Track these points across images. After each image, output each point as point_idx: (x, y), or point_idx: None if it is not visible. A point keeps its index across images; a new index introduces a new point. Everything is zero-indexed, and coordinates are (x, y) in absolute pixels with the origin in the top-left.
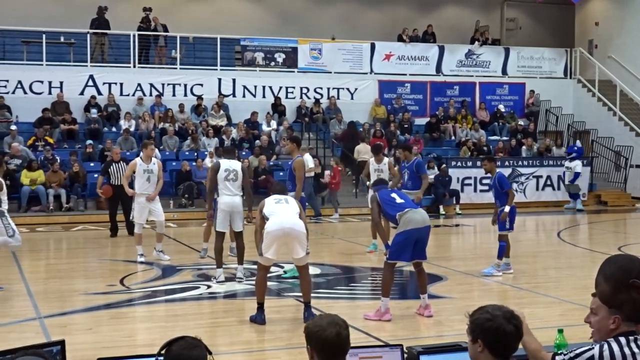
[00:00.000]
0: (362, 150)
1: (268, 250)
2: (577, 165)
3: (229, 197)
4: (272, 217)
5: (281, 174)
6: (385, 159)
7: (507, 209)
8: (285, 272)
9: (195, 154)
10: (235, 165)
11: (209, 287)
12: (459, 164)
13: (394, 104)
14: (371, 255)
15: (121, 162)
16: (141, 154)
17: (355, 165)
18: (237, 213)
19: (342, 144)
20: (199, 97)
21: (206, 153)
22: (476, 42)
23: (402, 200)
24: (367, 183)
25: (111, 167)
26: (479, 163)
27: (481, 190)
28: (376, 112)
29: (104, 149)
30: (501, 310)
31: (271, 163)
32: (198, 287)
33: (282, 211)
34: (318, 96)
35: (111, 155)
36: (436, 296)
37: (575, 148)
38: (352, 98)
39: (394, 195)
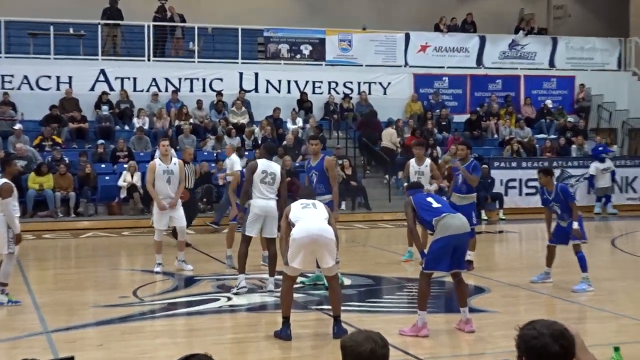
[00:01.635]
0: (386, 136)
1: (294, 259)
2: (606, 166)
3: (264, 201)
4: (299, 223)
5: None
6: (427, 160)
7: (575, 225)
8: (303, 283)
9: (215, 154)
10: (274, 167)
11: (229, 299)
12: (502, 164)
13: (430, 99)
14: (406, 264)
15: (191, 163)
16: (157, 153)
17: (378, 155)
18: (272, 218)
19: (360, 133)
20: (219, 93)
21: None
22: (520, 32)
23: (439, 205)
24: (405, 185)
25: (185, 169)
26: (524, 164)
27: (527, 194)
28: (411, 109)
29: (115, 149)
30: (550, 328)
31: (297, 164)
32: (218, 299)
33: (309, 216)
34: (348, 91)
35: (183, 155)
36: (478, 310)
37: (600, 148)
38: (384, 93)
39: (430, 199)
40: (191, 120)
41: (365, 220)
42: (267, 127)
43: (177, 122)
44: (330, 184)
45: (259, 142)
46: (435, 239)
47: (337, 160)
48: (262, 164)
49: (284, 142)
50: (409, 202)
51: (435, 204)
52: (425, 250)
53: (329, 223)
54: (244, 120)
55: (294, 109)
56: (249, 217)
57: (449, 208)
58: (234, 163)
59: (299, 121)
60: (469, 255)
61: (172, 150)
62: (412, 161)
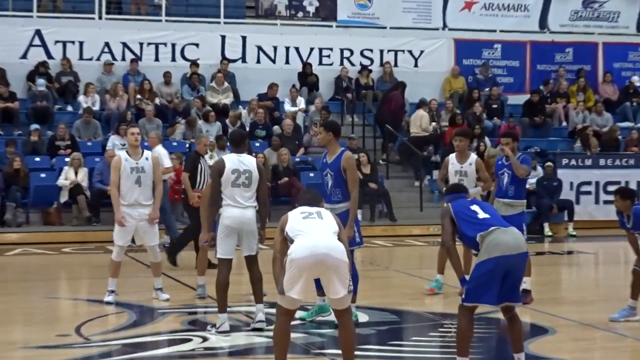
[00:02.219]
0: (417, 121)
1: (293, 287)
2: None
3: (238, 210)
4: (299, 239)
5: (311, 175)
6: (473, 157)
7: None
8: (302, 319)
9: (188, 145)
10: (247, 162)
11: (204, 339)
12: (572, 162)
13: (477, 74)
14: (431, 298)
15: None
16: (111, 142)
17: (405, 148)
18: (249, 232)
19: (378, 114)
20: (193, 63)
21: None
22: None
23: (487, 215)
24: (443, 190)
25: (200, 163)
26: (602, 162)
27: (605, 202)
28: (451, 86)
29: (54, 137)
30: None
31: (297, 159)
32: (189, 340)
33: (313, 230)
34: (366, 62)
35: (197, 146)
36: (538, 357)
37: None
38: (416, 65)
39: (475, 207)
40: (157, 101)
41: (388, 235)
42: (259, 109)
43: (138, 102)
44: (348, 188)
45: (248, 128)
46: (479, 261)
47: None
48: (231, 160)
49: (279, 130)
50: (447, 211)
51: (481, 214)
52: (466, 276)
53: (340, 239)
54: (227, 100)
55: (293, 86)
56: (219, 233)
57: (501, 220)
58: (163, 158)
59: (301, 102)
60: (525, 283)
61: (160, 148)
62: (452, 157)
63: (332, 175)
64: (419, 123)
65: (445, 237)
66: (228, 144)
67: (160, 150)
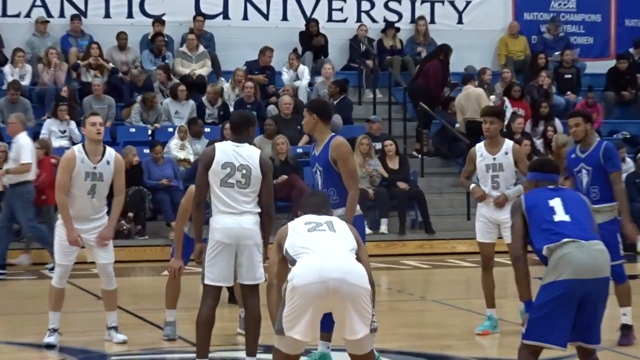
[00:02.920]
0: (466, 102)
1: (295, 325)
2: None
3: (232, 218)
4: (304, 259)
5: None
6: (508, 143)
7: None
8: None
9: (150, 132)
10: (246, 155)
11: None
12: None
13: (543, 33)
14: (485, 336)
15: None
16: (81, 138)
17: (449, 135)
18: (249, 248)
19: (412, 90)
20: (157, 21)
21: (170, 129)
22: None
23: (566, 218)
24: (471, 187)
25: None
26: None
27: None
28: (508, 49)
29: None
30: None
31: (299, 150)
32: None
33: (323, 246)
34: (393, 17)
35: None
36: None
37: None
38: (459, 21)
39: (555, 202)
40: (109, 70)
41: (424, 252)
42: (246, 82)
43: (82, 74)
44: (343, 186)
45: (232, 108)
46: (544, 283)
47: (370, 144)
48: (224, 151)
49: (275, 111)
50: (517, 206)
51: (559, 215)
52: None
53: (359, 258)
54: (203, 70)
55: (294, 51)
56: (208, 250)
57: (584, 227)
58: (21, 150)
59: (304, 72)
60: (625, 316)
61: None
62: (480, 147)
63: (320, 172)
64: (473, 103)
65: (512, 244)
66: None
67: (21, 139)
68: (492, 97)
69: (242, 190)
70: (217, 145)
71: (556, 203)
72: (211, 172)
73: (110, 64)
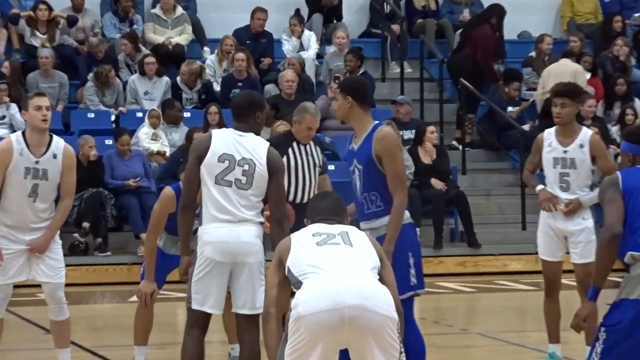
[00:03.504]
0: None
1: None
2: None
3: (228, 229)
4: (312, 280)
5: (331, 168)
6: (586, 132)
7: None
8: None
9: (113, 118)
10: (250, 147)
11: None
12: None
13: None
14: None
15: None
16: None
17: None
18: (248, 267)
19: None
20: None
21: (140, 115)
22: None
23: None
24: (538, 188)
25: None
26: None
27: None
28: (574, 10)
29: None
30: None
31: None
32: None
33: (336, 264)
34: None
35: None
36: None
37: None
38: None
39: None
40: (63, 39)
41: (467, 272)
42: (237, 54)
43: (26, 38)
44: (389, 190)
45: (219, 87)
46: (619, 299)
47: (397, 131)
48: (223, 139)
49: (273, 90)
50: (613, 182)
51: None
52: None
53: (383, 280)
54: (182, 38)
55: (297, 13)
56: (196, 268)
57: None
58: None
59: (310, 39)
60: None
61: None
62: (550, 134)
63: (360, 170)
64: (545, 79)
65: (610, 218)
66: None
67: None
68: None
69: (242, 192)
70: (214, 132)
71: None
72: (204, 166)
73: (65, 36)
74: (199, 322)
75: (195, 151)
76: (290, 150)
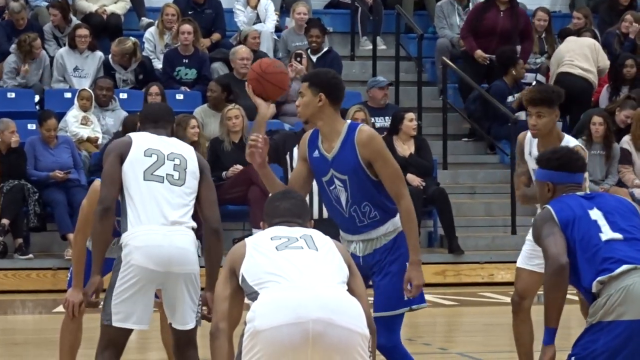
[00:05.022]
0: (573, 54)
1: None
2: None
3: (160, 232)
4: (271, 290)
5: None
6: (568, 142)
7: None
8: None
9: (37, 99)
10: (174, 143)
11: None
12: None
13: None
14: None
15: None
16: None
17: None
18: (182, 278)
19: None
20: None
21: (68, 95)
22: None
23: (617, 235)
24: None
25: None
26: None
27: None
28: None
29: None
30: None
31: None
32: None
33: (299, 271)
34: None
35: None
36: None
37: None
38: None
39: (595, 214)
40: None
41: (448, 282)
42: (183, 25)
43: None
44: (381, 197)
45: (160, 65)
46: (596, 322)
47: (368, 117)
48: (144, 136)
49: (227, 70)
50: (547, 217)
51: (606, 232)
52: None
53: (353, 291)
54: (118, 6)
55: None
56: (120, 278)
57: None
58: None
59: (268, 9)
60: None
61: None
62: (532, 141)
63: (344, 182)
64: (586, 52)
65: (553, 250)
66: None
67: None
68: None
69: (175, 189)
70: (133, 134)
71: (596, 215)
72: (128, 163)
73: None
74: (116, 342)
75: (114, 150)
76: (295, 150)
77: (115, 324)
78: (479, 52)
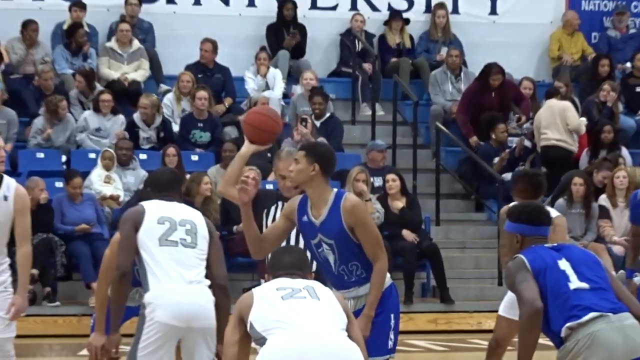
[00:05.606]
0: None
1: None
2: None
3: (180, 291)
4: (278, 337)
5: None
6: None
7: None
8: None
9: (64, 159)
10: (184, 210)
11: None
12: None
13: (607, 29)
14: None
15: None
16: None
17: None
18: (200, 332)
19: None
20: (76, 4)
21: (92, 156)
22: None
23: (583, 285)
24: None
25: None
26: None
27: None
28: (563, 46)
29: None
30: None
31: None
32: None
33: (302, 319)
34: (401, 5)
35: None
36: None
37: None
38: (493, 11)
39: (564, 265)
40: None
41: (440, 329)
42: (198, 92)
43: None
44: (370, 253)
45: (177, 127)
46: None
47: (368, 178)
48: (155, 204)
49: (237, 133)
50: (520, 266)
51: (573, 282)
52: None
53: (352, 338)
54: (139, 74)
55: (263, 48)
56: (145, 334)
57: (605, 296)
58: None
59: (276, 78)
60: None
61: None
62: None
63: (331, 245)
64: (557, 120)
65: (528, 295)
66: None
67: None
68: (583, 119)
69: (189, 251)
70: (145, 203)
71: (566, 266)
72: (143, 231)
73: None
74: None
75: (129, 220)
76: (273, 209)
77: None
78: (474, 139)
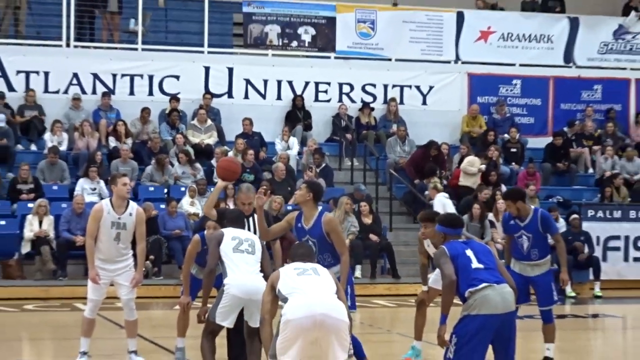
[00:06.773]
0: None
1: (287, 351)
2: None
3: (245, 277)
4: (295, 298)
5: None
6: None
7: None
8: None
9: (165, 191)
10: (247, 234)
11: None
12: (599, 214)
13: (493, 113)
14: None
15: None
16: (108, 194)
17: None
18: (257, 302)
19: (409, 172)
20: (174, 98)
21: (183, 189)
22: (632, 13)
23: (480, 265)
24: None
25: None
26: (633, 214)
27: (636, 259)
28: (470, 125)
29: (16, 179)
30: None
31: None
32: None
33: (310, 287)
34: (369, 99)
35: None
36: None
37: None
38: (424, 102)
39: (469, 253)
40: (129, 141)
41: (391, 294)
42: (248, 150)
43: (111, 141)
44: (335, 251)
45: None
46: (465, 314)
47: (351, 205)
48: (229, 229)
49: (268, 174)
50: (442, 253)
51: (474, 263)
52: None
53: (339, 298)
54: (211, 139)
55: (287, 124)
56: (223, 301)
57: (493, 273)
58: None
59: (293, 142)
60: (549, 350)
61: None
62: (429, 244)
63: (315, 242)
64: (467, 168)
65: (447, 271)
66: (224, 222)
67: None
68: (483, 166)
69: (250, 256)
70: (224, 230)
71: (470, 253)
72: (224, 245)
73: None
74: (214, 331)
75: (215, 239)
76: (250, 220)
77: (217, 322)
78: (417, 180)
